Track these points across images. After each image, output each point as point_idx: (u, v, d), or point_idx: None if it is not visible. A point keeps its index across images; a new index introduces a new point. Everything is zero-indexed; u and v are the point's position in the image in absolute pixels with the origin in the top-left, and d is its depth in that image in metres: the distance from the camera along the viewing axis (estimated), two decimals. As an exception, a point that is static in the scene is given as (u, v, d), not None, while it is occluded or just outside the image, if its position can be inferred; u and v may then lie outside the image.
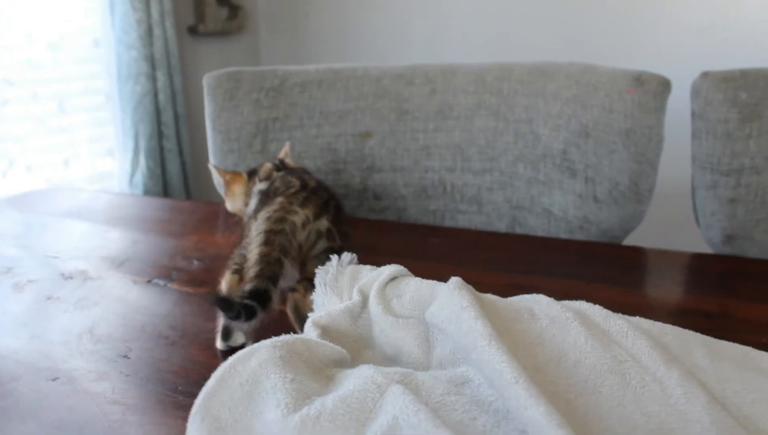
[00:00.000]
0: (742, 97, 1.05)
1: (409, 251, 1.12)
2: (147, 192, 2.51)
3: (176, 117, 2.59)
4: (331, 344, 0.60)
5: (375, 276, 0.70)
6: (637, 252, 1.10)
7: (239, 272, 0.82)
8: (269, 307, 0.73)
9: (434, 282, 0.68)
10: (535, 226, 1.24)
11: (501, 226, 1.30)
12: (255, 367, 0.52)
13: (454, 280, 0.64)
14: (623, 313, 0.65)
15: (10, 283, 1.08)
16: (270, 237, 0.79)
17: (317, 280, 0.74)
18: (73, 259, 1.18)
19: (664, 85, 1.13)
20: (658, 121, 1.13)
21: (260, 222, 0.82)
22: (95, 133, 2.46)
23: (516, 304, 0.64)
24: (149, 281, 1.07)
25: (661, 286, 1.02)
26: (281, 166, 1.09)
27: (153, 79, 2.48)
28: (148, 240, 1.28)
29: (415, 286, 0.68)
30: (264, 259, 0.77)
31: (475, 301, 0.59)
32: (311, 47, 2.98)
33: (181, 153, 2.65)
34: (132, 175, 2.50)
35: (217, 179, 1.14)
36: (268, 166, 1.08)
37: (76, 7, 2.33)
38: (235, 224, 1.15)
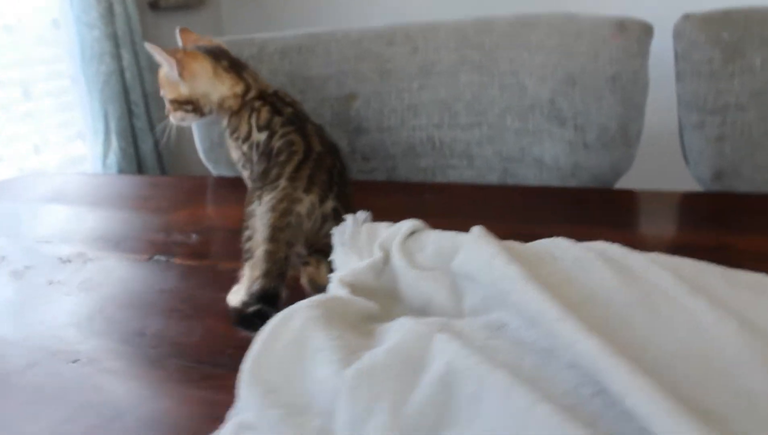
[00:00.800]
0: (724, 37, 1.07)
1: (404, 209, 1.11)
2: (121, 172, 2.47)
3: (145, 95, 2.54)
4: (363, 300, 0.61)
5: (394, 232, 0.71)
6: (631, 194, 1.13)
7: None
8: (280, 304, 0.73)
9: (454, 233, 0.69)
10: (527, 176, 1.26)
11: (492, 179, 1.32)
12: (298, 328, 0.53)
13: (477, 230, 0.65)
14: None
15: (6, 271, 1.06)
16: (275, 234, 0.77)
17: (335, 240, 0.74)
18: (67, 243, 1.16)
19: (646, 30, 1.14)
20: (643, 65, 1.14)
21: (264, 211, 0.80)
22: (64, 118, 2.40)
23: (537, 248, 0.65)
24: (150, 258, 1.06)
25: (659, 225, 1.05)
26: (277, 101, 1.02)
27: (118, 57, 2.42)
28: (139, 218, 1.27)
29: (436, 239, 0.69)
30: (270, 257, 0.76)
31: (502, 247, 0.60)
32: (275, 18, 2.93)
33: (152, 131, 2.60)
34: (105, 157, 2.45)
35: (166, 67, 1.03)
36: (265, 114, 0.99)
37: (31, -14, 2.25)
38: (224, 197, 1.14)
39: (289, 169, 0.85)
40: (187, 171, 2.84)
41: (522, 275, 0.53)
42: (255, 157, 0.96)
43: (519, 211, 1.10)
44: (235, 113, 1.03)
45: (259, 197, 0.83)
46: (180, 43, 1.10)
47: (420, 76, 1.34)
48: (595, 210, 1.09)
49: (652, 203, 1.12)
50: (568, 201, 1.14)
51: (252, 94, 1.03)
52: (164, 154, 2.67)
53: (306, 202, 0.81)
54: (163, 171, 2.65)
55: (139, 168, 2.59)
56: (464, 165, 1.34)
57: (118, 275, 1.02)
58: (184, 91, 1.03)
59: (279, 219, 0.78)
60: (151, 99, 2.58)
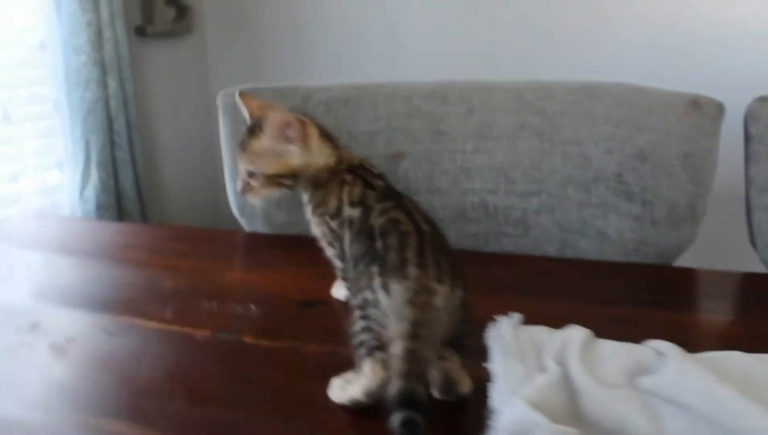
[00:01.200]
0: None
1: (473, 282, 1.08)
2: (99, 206, 2.33)
3: (129, 125, 2.42)
4: (565, 428, 0.56)
5: (564, 341, 0.67)
6: (696, 273, 1.12)
7: (380, 350, 0.75)
8: (424, 408, 0.67)
9: (632, 345, 0.66)
10: (587, 248, 1.24)
11: (550, 250, 1.29)
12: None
13: (668, 346, 0.62)
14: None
15: (46, 345, 0.95)
16: (417, 330, 0.70)
17: (492, 346, 0.69)
18: (105, 308, 1.06)
19: (719, 109, 1.15)
20: (715, 144, 1.15)
21: (400, 304, 0.73)
22: (43, 144, 2.26)
23: (725, 364, 0.62)
24: (213, 335, 0.98)
25: (729, 308, 1.04)
26: (366, 173, 0.94)
27: (104, 85, 2.29)
28: (179, 280, 1.17)
29: (612, 351, 0.65)
30: (411, 356, 0.69)
31: (700, 366, 0.57)
32: (261, 50, 2.86)
33: (134, 163, 2.48)
34: (83, 189, 2.31)
35: (271, 132, 0.91)
36: (357, 188, 0.91)
37: (19, 6, 2.11)
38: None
39: (411, 254, 0.79)
40: (168, 209, 2.71)
41: (738, 398, 0.50)
42: (348, 236, 0.89)
43: (606, 290, 1.07)
44: (320, 186, 0.96)
45: (385, 286, 0.76)
46: (244, 110, 1.00)
47: (475, 139, 1.31)
48: (670, 289, 1.08)
49: (719, 284, 1.11)
50: (636, 277, 1.12)
51: (343, 166, 0.96)
52: (144, 189, 2.54)
53: (441, 293, 0.75)
54: (143, 206, 2.52)
55: (119, 201, 2.45)
56: (519, 233, 1.31)
57: (180, 354, 0.93)
58: (295, 161, 0.93)
59: (420, 314, 0.72)
60: (134, 130, 2.46)
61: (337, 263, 0.94)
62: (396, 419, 0.67)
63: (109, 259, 1.28)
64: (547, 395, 0.62)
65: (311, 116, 0.97)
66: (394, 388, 0.69)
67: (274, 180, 0.94)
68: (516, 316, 0.71)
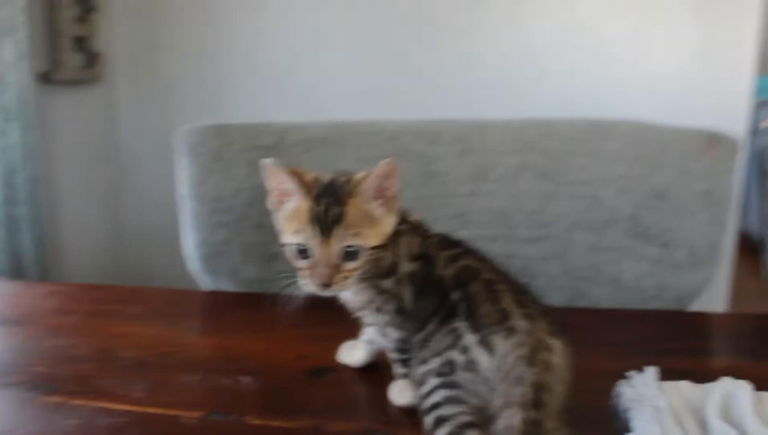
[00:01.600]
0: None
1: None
2: (-7, 269, 2.02)
3: (32, 179, 2.13)
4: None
5: (724, 397, 0.54)
6: (717, 318, 1.05)
7: (474, 428, 0.58)
8: None
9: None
10: (600, 297, 1.14)
11: (559, 299, 1.18)
12: None
13: None
14: None
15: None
16: (539, 395, 0.56)
17: (635, 410, 0.55)
18: (44, 385, 0.83)
19: (735, 146, 1.09)
20: (733, 181, 1.09)
21: (510, 363, 0.58)
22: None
23: None
24: (206, 417, 0.77)
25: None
26: (414, 223, 0.76)
27: (3, 134, 2.02)
28: (130, 349, 0.95)
29: None
30: (533, 429, 0.55)
31: None
32: (176, 100, 2.65)
33: (36, 222, 2.18)
34: (-26, 250, 1.99)
35: (368, 195, 0.69)
36: (416, 239, 0.74)
37: None
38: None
39: (509, 303, 0.63)
40: (72, 272, 2.39)
41: None
42: (407, 293, 0.72)
43: (635, 340, 0.96)
44: None
45: (484, 343, 0.60)
46: (293, 185, 0.71)
47: (472, 181, 1.19)
48: (731, 337, 0.98)
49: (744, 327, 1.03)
50: (688, 327, 1.02)
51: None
52: (47, 250, 2.23)
53: (557, 350, 0.60)
54: (44, 271, 2.21)
55: (16, 264, 2.14)
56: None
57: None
58: (387, 229, 0.70)
59: (542, 375, 0.57)
60: (38, 185, 2.17)
61: (392, 333, 0.75)
62: None
63: (43, 327, 1.03)
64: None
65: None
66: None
67: (371, 255, 0.69)
68: (652, 370, 0.58)
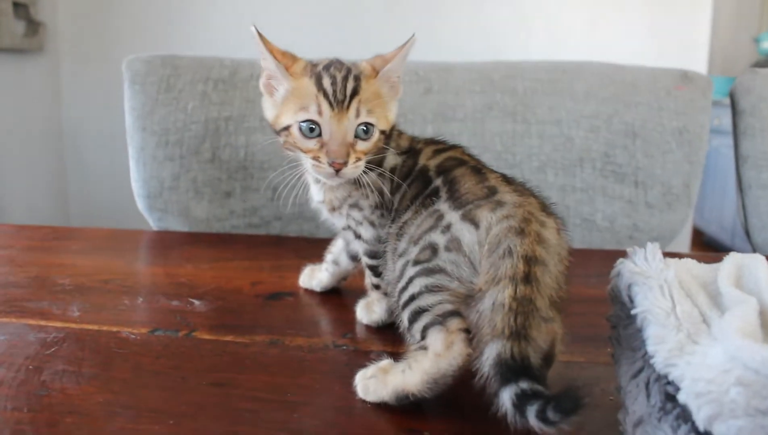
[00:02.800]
0: (793, 94, 1.02)
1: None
2: None
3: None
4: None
5: (738, 269, 0.49)
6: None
7: (456, 316, 0.53)
8: (543, 382, 0.46)
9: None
10: (573, 238, 1.08)
11: (529, 243, 1.12)
12: None
13: None
14: None
15: None
16: (530, 268, 0.50)
17: (637, 282, 0.49)
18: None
19: (709, 83, 1.06)
20: (707, 119, 1.06)
21: (498, 234, 0.51)
22: None
23: None
24: (151, 332, 0.69)
25: None
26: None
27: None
28: (69, 277, 0.86)
29: None
30: (523, 305, 0.48)
31: None
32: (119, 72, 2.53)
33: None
34: None
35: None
36: (404, 135, 0.69)
37: None
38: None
39: (496, 181, 0.58)
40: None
41: None
42: (387, 187, 0.65)
43: (586, 272, 0.91)
44: None
45: (469, 218, 0.53)
46: (267, 51, 0.63)
47: (435, 120, 1.13)
48: None
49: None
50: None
51: None
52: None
53: (551, 227, 0.54)
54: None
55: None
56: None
57: (105, 357, 0.64)
58: (393, 116, 0.66)
59: (533, 246, 0.50)
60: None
61: (365, 231, 0.68)
62: (509, 395, 0.45)
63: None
64: (756, 328, 0.43)
65: None
66: (498, 351, 0.47)
67: (380, 140, 0.65)
68: (655, 245, 0.52)
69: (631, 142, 1.06)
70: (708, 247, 4.20)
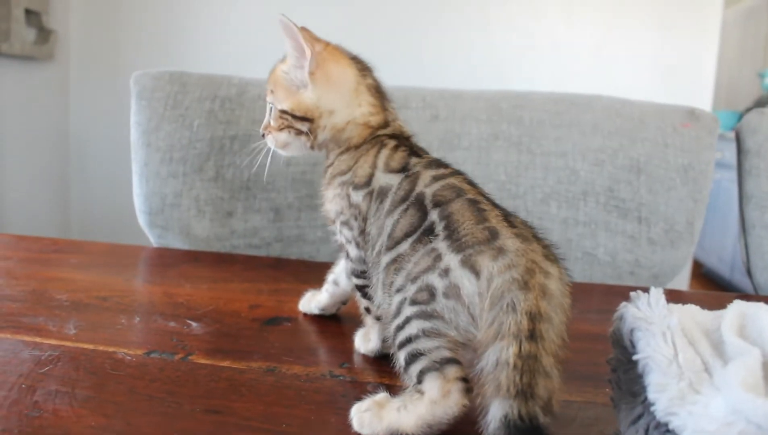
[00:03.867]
0: (799, 136, 1.02)
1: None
2: None
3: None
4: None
5: (741, 317, 0.48)
6: (702, 297, 1.00)
7: (454, 363, 0.52)
8: None
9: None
10: (573, 272, 1.07)
11: (530, 274, 1.12)
12: None
13: None
14: None
15: None
16: (535, 325, 0.48)
17: (640, 328, 0.48)
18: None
19: (715, 121, 1.07)
20: (712, 157, 1.06)
21: (500, 287, 0.50)
22: None
23: None
24: (148, 354, 0.69)
25: None
26: (413, 145, 0.70)
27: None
28: (66, 292, 0.86)
29: None
30: (528, 364, 0.47)
31: None
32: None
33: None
34: None
35: (292, 60, 0.70)
36: (400, 153, 0.67)
37: None
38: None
39: (497, 222, 0.55)
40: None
41: None
42: (374, 209, 0.65)
43: (586, 307, 0.91)
44: (350, 149, 0.70)
45: (468, 265, 0.52)
46: (298, 35, 0.68)
47: (441, 148, 1.13)
48: None
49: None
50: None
51: (387, 130, 0.71)
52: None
53: (555, 276, 0.53)
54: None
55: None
56: (495, 255, 1.13)
57: (100, 378, 0.63)
58: (307, 99, 0.69)
59: (538, 302, 0.49)
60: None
61: (352, 250, 0.68)
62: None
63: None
64: (759, 380, 0.42)
65: (367, 64, 0.73)
66: (506, 411, 0.46)
67: (288, 120, 0.70)
68: (659, 290, 0.52)
69: (636, 177, 1.06)
70: (707, 278, 4.19)
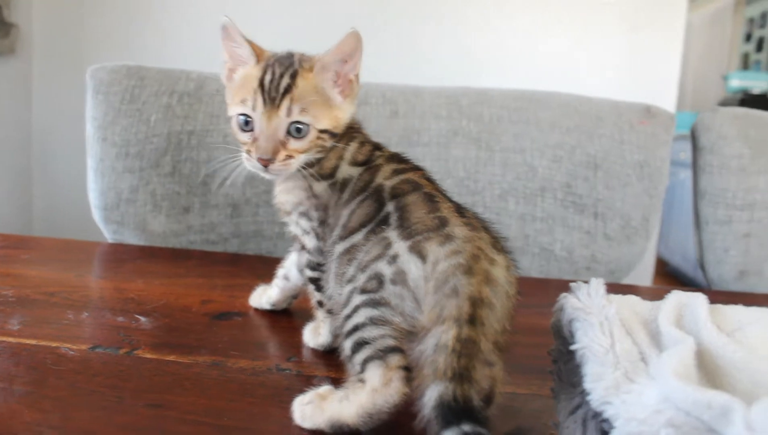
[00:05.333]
0: (751, 134, 1.04)
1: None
2: None
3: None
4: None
5: (678, 307, 0.49)
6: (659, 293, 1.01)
7: (398, 352, 0.51)
8: (483, 421, 0.45)
9: (762, 309, 0.49)
10: (530, 267, 1.09)
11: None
12: None
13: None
14: None
15: None
16: (476, 310, 0.48)
17: (579, 319, 0.49)
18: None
19: (671, 118, 1.08)
20: (668, 154, 1.07)
21: (444, 271, 0.50)
22: None
23: None
24: (92, 348, 0.67)
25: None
26: (375, 142, 0.70)
27: None
28: (13, 287, 0.84)
29: (750, 317, 0.48)
30: (467, 348, 0.47)
31: None
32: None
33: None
34: None
35: (326, 78, 0.66)
36: (366, 147, 0.68)
37: None
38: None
39: (449, 212, 0.56)
40: None
41: None
42: (335, 200, 0.64)
43: (540, 302, 0.91)
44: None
45: (416, 250, 0.52)
46: (247, 49, 0.66)
47: (400, 144, 1.13)
48: None
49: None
50: None
51: (356, 125, 0.71)
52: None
53: (501, 265, 0.53)
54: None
55: None
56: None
57: (42, 374, 0.62)
58: (343, 115, 0.67)
59: (481, 287, 0.49)
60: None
61: (309, 241, 0.68)
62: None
63: None
64: (691, 369, 0.42)
65: None
66: (441, 393, 0.46)
67: (322, 140, 0.65)
68: (599, 281, 0.52)
69: (593, 173, 1.07)
70: (671, 276, 4.26)
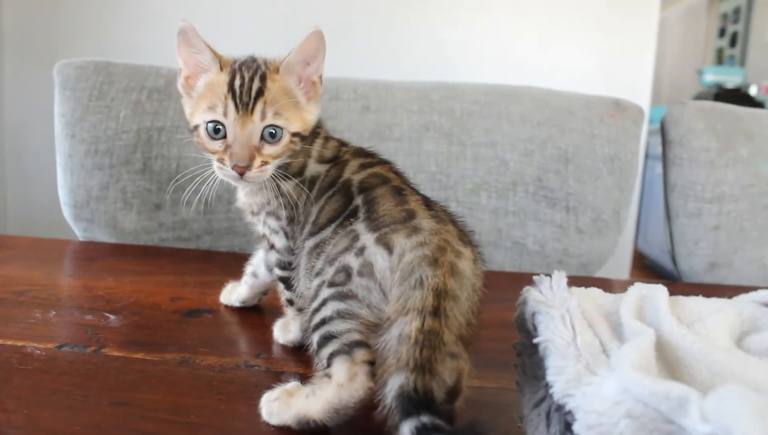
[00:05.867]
0: (719, 128, 1.05)
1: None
2: None
3: None
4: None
5: (639, 299, 0.49)
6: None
7: (363, 347, 0.51)
8: (441, 413, 0.46)
9: (726, 301, 0.50)
10: (503, 262, 1.10)
11: (461, 264, 1.13)
12: None
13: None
14: None
15: None
16: (440, 302, 0.49)
17: (541, 311, 0.49)
18: None
19: (640, 112, 1.09)
20: (638, 147, 1.08)
21: (410, 262, 0.50)
22: None
23: None
24: (59, 347, 0.67)
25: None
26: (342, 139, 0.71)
27: None
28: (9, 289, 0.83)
29: (710, 308, 0.48)
30: (429, 339, 0.47)
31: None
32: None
33: None
34: None
35: (291, 80, 0.64)
36: (332, 142, 0.68)
37: None
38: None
39: (416, 205, 0.56)
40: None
41: None
42: (304, 198, 0.64)
43: (513, 296, 0.91)
44: None
45: (383, 242, 0.52)
46: (209, 55, 0.64)
47: (373, 139, 1.13)
48: None
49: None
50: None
51: (321, 125, 0.71)
52: None
53: (467, 257, 0.53)
54: None
55: None
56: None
57: (8, 374, 0.61)
58: (311, 117, 0.66)
59: (446, 279, 0.50)
60: None
61: (278, 241, 0.67)
62: (409, 429, 0.44)
63: None
64: (651, 360, 0.43)
65: None
66: (401, 383, 0.46)
67: (294, 144, 0.64)
68: (561, 274, 0.52)
69: (564, 167, 1.08)
70: (649, 270, 4.30)
